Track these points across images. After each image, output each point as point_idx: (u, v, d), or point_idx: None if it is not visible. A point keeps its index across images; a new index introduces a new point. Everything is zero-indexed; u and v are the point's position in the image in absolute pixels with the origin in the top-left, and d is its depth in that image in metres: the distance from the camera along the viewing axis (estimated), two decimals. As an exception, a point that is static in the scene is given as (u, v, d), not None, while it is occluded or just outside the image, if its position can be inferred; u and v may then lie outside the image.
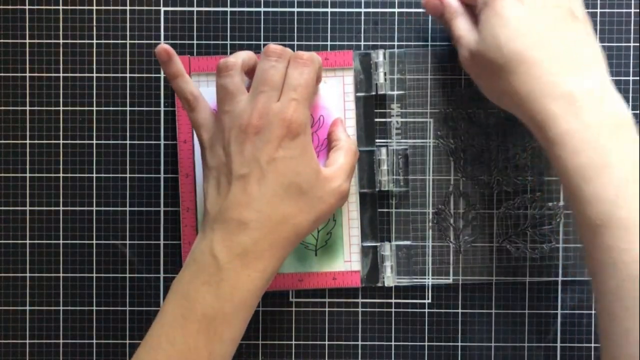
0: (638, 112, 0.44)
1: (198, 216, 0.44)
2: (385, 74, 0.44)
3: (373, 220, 0.44)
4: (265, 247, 0.36)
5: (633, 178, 0.33)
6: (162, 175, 0.45)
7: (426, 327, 0.45)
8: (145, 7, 0.45)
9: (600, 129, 0.34)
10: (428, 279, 0.44)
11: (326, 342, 0.45)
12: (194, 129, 0.40)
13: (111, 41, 0.45)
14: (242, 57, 0.39)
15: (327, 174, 0.39)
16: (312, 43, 0.44)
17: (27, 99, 0.45)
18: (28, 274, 0.45)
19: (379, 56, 0.44)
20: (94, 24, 0.45)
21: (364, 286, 0.44)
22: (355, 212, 0.44)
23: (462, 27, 0.39)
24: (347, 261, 0.44)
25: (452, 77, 0.44)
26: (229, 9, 0.44)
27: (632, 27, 0.44)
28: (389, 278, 0.44)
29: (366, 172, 0.44)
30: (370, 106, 0.44)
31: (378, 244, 0.44)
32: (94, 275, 0.45)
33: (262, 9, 0.44)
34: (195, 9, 0.45)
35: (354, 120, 0.44)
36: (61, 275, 0.45)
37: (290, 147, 0.37)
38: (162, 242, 0.45)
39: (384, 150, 0.44)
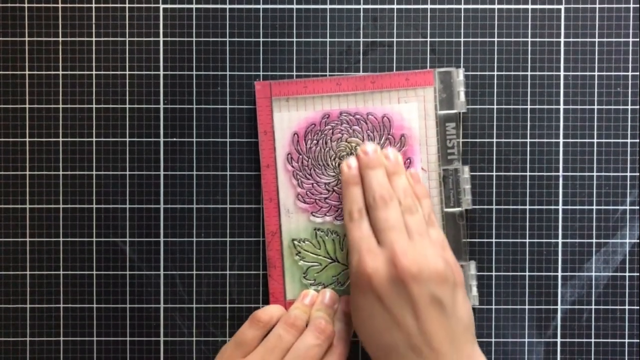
0: (638, 107, 0.44)
1: (283, 240, 0.44)
2: (465, 92, 0.44)
3: (458, 239, 0.44)
4: None
5: None
6: (161, 173, 0.45)
7: (426, 323, 0.45)
8: (144, 5, 0.45)
9: None
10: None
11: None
12: None
13: (110, 39, 0.45)
14: (276, 316, 0.42)
15: None
16: (311, 39, 0.44)
17: (27, 97, 0.45)
18: (28, 272, 0.45)
19: (460, 75, 0.43)
20: (93, 21, 0.45)
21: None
22: None
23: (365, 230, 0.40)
24: None
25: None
26: (227, 6, 0.45)
27: (631, 23, 0.44)
28: (475, 297, 0.44)
29: (452, 191, 0.44)
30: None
31: (465, 263, 0.44)
32: (94, 272, 0.45)
33: (260, 6, 0.45)
34: (194, 6, 0.45)
35: (435, 139, 0.44)
36: (61, 272, 0.45)
37: None
38: (161, 239, 0.45)
39: (466, 168, 0.44)
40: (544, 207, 0.45)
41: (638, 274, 0.45)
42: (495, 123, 0.45)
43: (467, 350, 0.37)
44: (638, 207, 0.44)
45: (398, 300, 0.37)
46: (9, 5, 0.45)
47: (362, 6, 0.44)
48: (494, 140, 0.45)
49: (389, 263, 0.37)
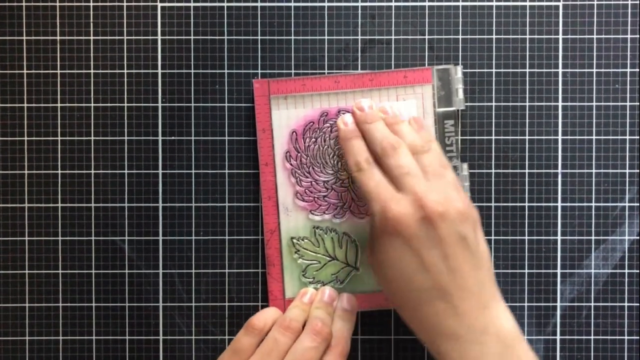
0: (637, 104, 0.44)
1: (282, 238, 0.44)
2: (463, 90, 0.44)
3: None
4: None
5: None
6: (160, 171, 0.45)
7: (425, 320, 0.45)
8: (142, 3, 0.45)
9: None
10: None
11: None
12: None
13: (108, 37, 0.45)
14: (270, 320, 0.42)
15: None
16: (309, 37, 0.44)
17: (25, 96, 0.45)
18: (27, 271, 0.45)
19: (458, 72, 0.43)
20: (91, 20, 0.45)
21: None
22: None
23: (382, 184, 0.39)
24: None
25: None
26: (225, 4, 0.44)
27: (629, 19, 0.44)
28: None
29: None
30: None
31: None
32: (93, 271, 0.45)
33: (258, 4, 0.44)
34: (192, 4, 0.45)
35: (434, 136, 0.44)
36: (60, 271, 0.45)
37: None
38: (160, 238, 0.45)
39: (465, 165, 0.44)
40: (543, 204, 0.44)
41: (637, 270, 0.44)
42: (493, 120, 0.44)
43: (491, 290, 0.37)
44: (637, 204, 0.44)
45: (426, 241, 0.37)
46: (7, 4, 0.45)
47: (360, 4, 0.44)
48: (493, 137, 0.45)
49: (414, 206, 0.37)
